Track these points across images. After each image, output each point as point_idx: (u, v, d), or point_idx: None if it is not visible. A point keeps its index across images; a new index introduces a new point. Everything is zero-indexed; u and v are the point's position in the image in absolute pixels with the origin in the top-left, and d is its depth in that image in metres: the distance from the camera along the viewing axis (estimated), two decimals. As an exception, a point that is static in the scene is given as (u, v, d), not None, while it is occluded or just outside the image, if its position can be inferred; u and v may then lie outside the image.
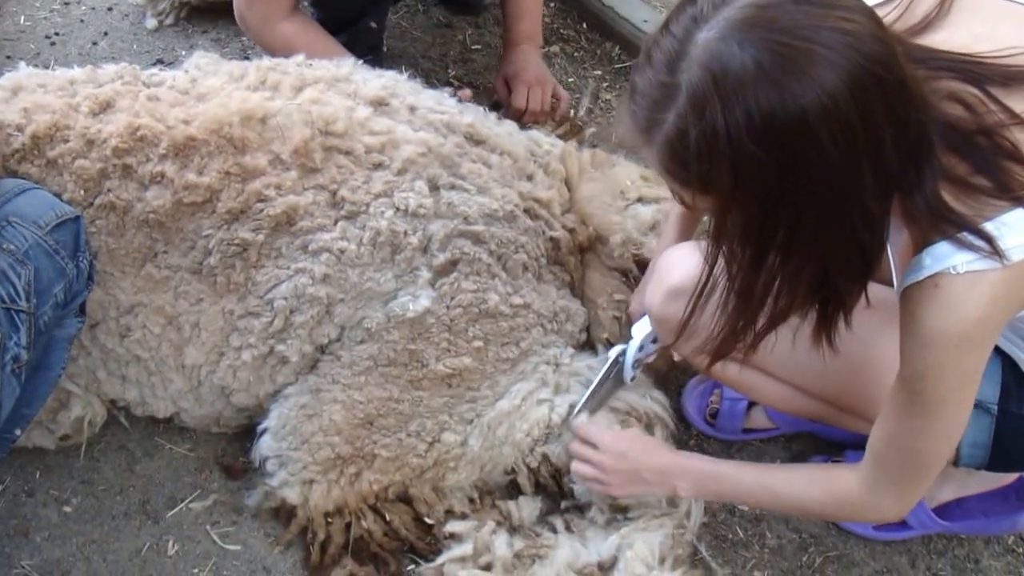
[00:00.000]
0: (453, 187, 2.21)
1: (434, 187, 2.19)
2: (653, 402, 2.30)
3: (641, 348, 2.20)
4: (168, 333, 2.15)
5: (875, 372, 1.91)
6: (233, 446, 2.33)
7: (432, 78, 3.02)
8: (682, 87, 1.38)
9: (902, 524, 2.27)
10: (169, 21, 3.17)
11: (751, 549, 2.27)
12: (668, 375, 2.45)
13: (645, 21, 3.20)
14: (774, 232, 1.44)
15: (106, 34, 3.15)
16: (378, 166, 2.17)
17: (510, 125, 2.48)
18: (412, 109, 2.30)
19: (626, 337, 2.25)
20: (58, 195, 2.04)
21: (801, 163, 1.36)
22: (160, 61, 3.05)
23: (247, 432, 2.28)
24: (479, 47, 3.25)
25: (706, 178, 1.41)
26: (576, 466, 2.15)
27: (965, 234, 1.49)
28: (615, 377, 2.22)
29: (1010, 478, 2.22)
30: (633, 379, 2.25)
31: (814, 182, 1.38)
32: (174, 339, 2.16)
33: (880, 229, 1.46)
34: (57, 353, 2.00)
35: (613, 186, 2.44)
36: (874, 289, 1.60)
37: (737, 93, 1.33)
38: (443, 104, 2.37)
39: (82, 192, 2.07)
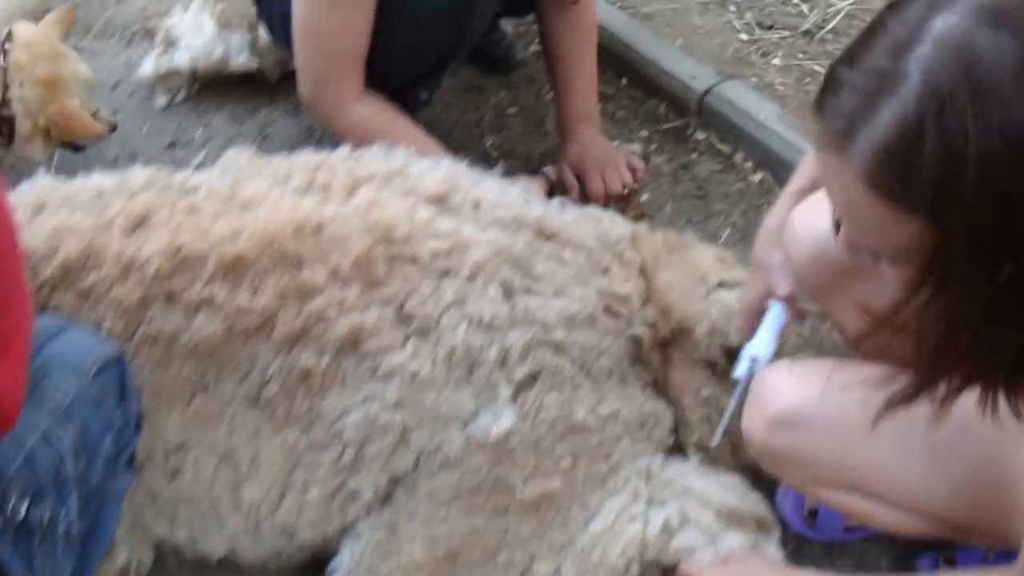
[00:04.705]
0: (528, 291, 2.01)
1: (508, 292, 2.00)
2: (756, 505, 2.11)
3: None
4: (223, 471, 1.94)
5: (1011, 492, 1.73)
6: (293, 583, 2.11)
7: (468, 148, 2.83)
8: (912, 74, 1.13)
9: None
10: (180, 98, 2.96)
11: None
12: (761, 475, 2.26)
13: (693, 77, 3.00)
14: (1002, 273, 1.18)
15: (114, 113, 2.93)
16: (446, 273, 1.97)
17: (575, 211, 2.28)
18: (476, 205, 2.10)
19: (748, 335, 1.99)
20: (95, 328, 1.84)
21: None
22: (174, 144, 2.84)
23: (305, 567, 2.07)
24: (515, 110, 3.05)
25: (939, 194, 1.14)
26: None
27: None
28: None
29: None
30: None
31: None
32: (229, 477, 1.95)
33: None
34: (109, 511, 1.79)
35: (692, 272, 2.24)
36: None
37: (993, 87, 1.10)
38: (507, 195, 2.17)
39: (122, 324, 1.87)
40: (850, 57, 1.22)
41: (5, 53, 2.48)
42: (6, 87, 2.48)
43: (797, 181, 2.00)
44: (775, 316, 1.97)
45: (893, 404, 1.42)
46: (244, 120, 2.93)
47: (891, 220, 1.20)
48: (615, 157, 2.74)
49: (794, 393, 1.78)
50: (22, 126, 2.53)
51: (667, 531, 2.00)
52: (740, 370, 1.97)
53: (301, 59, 2.54)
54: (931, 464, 1.51)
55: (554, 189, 2.62)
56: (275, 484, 1.95)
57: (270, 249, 1.90)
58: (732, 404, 2.01)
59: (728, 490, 2.10)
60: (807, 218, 1.87)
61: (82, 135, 2.66)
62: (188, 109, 2.97)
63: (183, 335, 1.87)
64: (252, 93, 2.96)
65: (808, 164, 1.99)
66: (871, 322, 1.37)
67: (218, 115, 2.95)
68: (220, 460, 1.94)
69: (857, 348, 2.01)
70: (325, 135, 2.81)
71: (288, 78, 2.99)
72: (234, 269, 1.89)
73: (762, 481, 2.23)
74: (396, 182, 2.09)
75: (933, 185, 1.13)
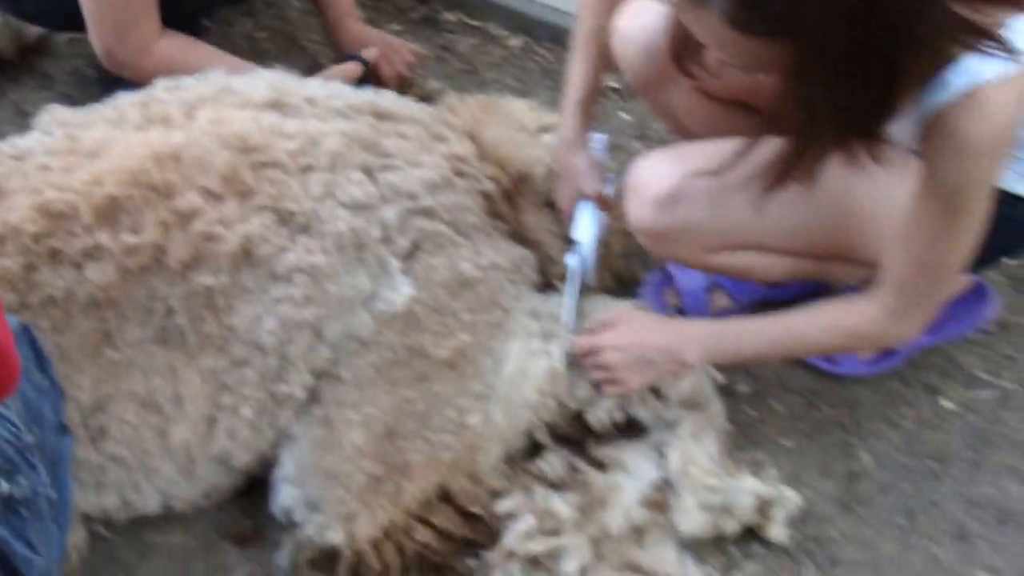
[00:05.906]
0: (386, 168, 2.08)
1: (369, 173, 2.05)
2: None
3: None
4: (146, 418, 1.91)
5: (861, 214, 1.96)
6: (229, 513, 2.10)
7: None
8: None
9: (889, 353, 2.35)
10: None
11: (767, 424, 2.29)
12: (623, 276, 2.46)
13: (423, -39, 3.09)
14: (856, 57, 1.44)
15: None
16: (308, 168, 2.01)
17: (391, 93, 2.34)
18: (311, 101, 2.13)
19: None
20: (-14, 308, 1.77)
21: None
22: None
23: (238, 493, 2.07)
24: (264, 35, 3.03)
25: (792, 17, 1.39)
26: (591, 378, 2.12)
27: (986, 43, 1.53)
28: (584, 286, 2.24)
29: (966, 282, 2.34)
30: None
31: None
32: (154, 423, 1.92)
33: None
34: (65, 476, 1.74)
35: (512, 124, 2.37)
36: None
37: None
38: (332, 88, 2.21)
39: (14, 295, 1.80)
40: None
41: None
42: None
43: (574, 92, 2.23)
44: (590, 211, 2.24)
45: (770, 186, 1.66)
46: (-7, 106, 2.79)
47: (757, 47, 1.46)
48: (394, 42, 2.81)
49: (670, 172, 1.97)
50: None
51: (572, 365, 2.15)
52: (571, 265, 2.24)
53: (93, 13, 2.44)
54: (801, 201, 1.73)
55: (365, 76, 2.68)
56: (203, 416, 1.94)
57: (138, 185, 1.88)
58: (571, 294, 2.20)
59: (601, 307, 2.25)
60: (634, 22, 2.06)
61: None
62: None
63: (78, 290, 1.83)
64: (-9, 77, 2.83)
65: (579, 70, 2.20)
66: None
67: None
68: (141, 408, 1.90)
69: (689, 131, 2.20)
70: (86, 101, 2.72)
71: (25, 52, 2.88)
72: (109, 212, 1.85)
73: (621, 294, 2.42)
74: (227, 99, 2.09)
75: (785, 12, 1.38)
